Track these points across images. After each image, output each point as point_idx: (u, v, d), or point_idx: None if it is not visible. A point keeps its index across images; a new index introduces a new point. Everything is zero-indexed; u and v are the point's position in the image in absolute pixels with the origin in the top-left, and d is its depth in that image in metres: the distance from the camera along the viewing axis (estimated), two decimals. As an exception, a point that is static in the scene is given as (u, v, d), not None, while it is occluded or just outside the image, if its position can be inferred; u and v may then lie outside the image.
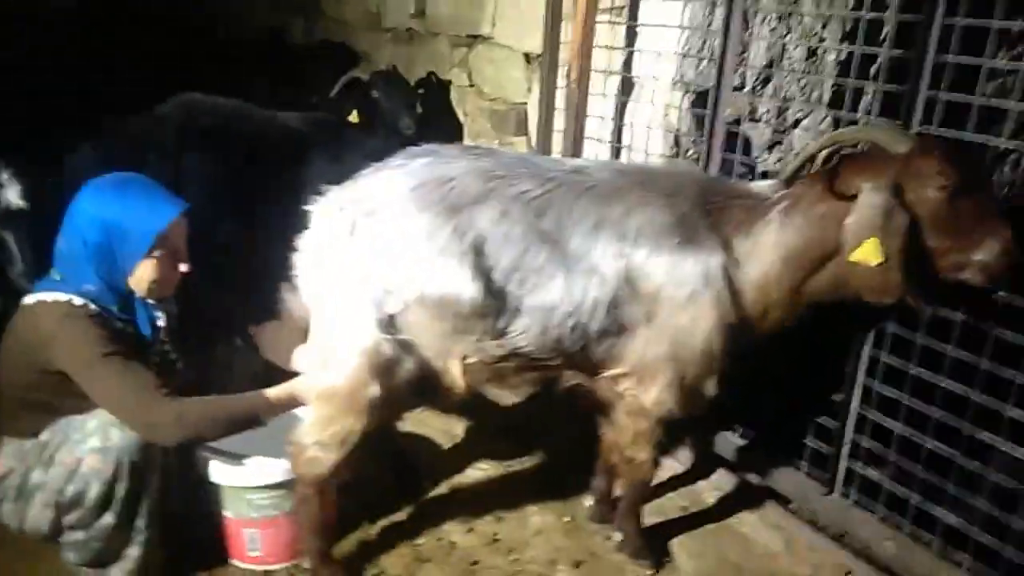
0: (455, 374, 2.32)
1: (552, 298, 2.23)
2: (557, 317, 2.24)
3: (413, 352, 2.29)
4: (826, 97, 3.50)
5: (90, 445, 2.29)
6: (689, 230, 2.26)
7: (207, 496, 2.58)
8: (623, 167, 2.44)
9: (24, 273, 3.01)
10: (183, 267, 2.47)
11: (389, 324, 2.22)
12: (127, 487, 2.31)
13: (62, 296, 2.33)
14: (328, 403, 2.30)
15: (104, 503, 2.31)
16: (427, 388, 2.50)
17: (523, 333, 2.27)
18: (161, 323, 2.54)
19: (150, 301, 2.49)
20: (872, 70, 3.05)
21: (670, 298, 2.25)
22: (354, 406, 2.28)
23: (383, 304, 2.19)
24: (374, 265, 2.19)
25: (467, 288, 2.16)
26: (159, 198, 2.42)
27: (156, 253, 2.38)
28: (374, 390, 2.26)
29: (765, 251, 2.29)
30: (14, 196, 3.04)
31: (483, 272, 2.17)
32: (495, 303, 2.20)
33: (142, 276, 2.40)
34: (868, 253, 2.11)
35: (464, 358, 2.31)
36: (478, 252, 2.17)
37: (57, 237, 2.40)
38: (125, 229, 2.34)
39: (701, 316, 2.26)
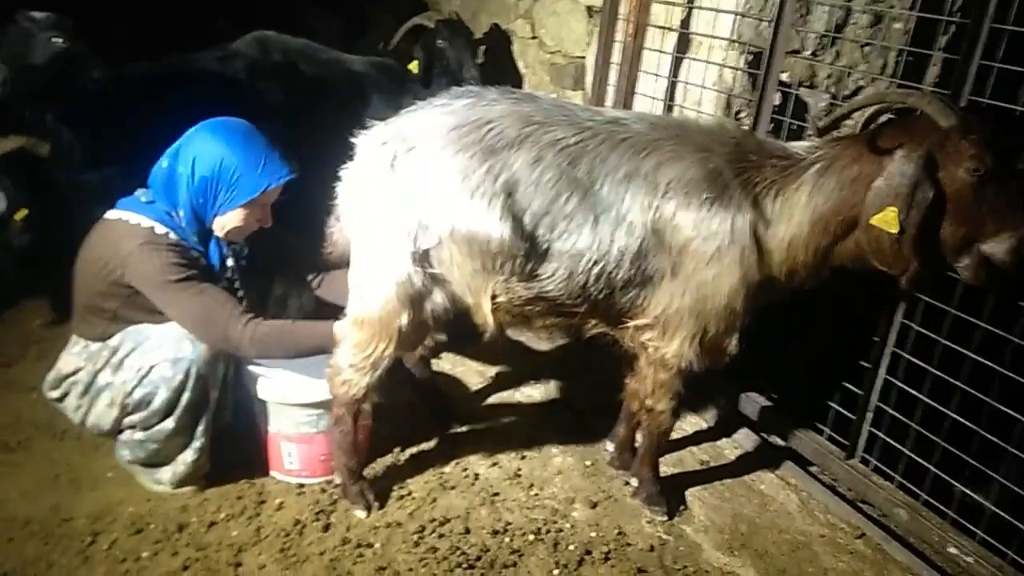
0: (485, 312, 2.42)
1: (580, 244, 2.30)
2: (584, 263, 2.32)
3: (444, 287, 2.41)
4: (891, 67, 3.43)
5: (162, 354, 2.49)
6: (720, 186, 2.29)
7: (253, 410, 2.77)
8: (659, 120, 2.46)
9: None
10: (265, 224, 2.63)
11: (423, 258, 2.33)
12: (191, 397, 2.51)
13: (146, 221, 2.49)
14: (362, 329, 2.44)
15: (168, 409, 2.51)
16: (465, 333, 2.62)
17: (551, 277, 2.35)
18: (230, 262, 2.70)
19: (223, 240, 2.65)
20: (941, 42, 2.99)
21: (696, 252, 2.30)
22: (386, 333, 2.41)
23: (418, 238, 2.30)
24: (411, 200, 2.29)
25: (496, 228, 2.24)
26: (276, 159, 2.55)
27: (251, 205, 2.54)
28: (405, 319, 2.39)
29: (795, 212, 2.31)
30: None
31: (513, 214, 2.25)
32: (524, 245, 2.28)
33: (229, 221, 2.56)
34: (887, 220, 2.12)
35: (494, 297, 2.40)
36: (510, 194, 2.24)
37: (163, 157, 2.54)
38: (237, 175, 2.49)
39: (726, 272, 2.30)
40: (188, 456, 2.60)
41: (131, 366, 2.51)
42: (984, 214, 2.15)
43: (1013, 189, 2.16)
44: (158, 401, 2.48)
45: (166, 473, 2.63)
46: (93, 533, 2.48)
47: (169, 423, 2.52)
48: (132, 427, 2.56)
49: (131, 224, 2.48)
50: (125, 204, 2.55)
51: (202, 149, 2.48)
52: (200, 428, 2.58)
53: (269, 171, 2.52)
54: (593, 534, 2.68)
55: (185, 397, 2.50)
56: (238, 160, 2.48)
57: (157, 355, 2.48)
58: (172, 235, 2.51)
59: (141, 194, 2.56)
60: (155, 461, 2.62)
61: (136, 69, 3.41)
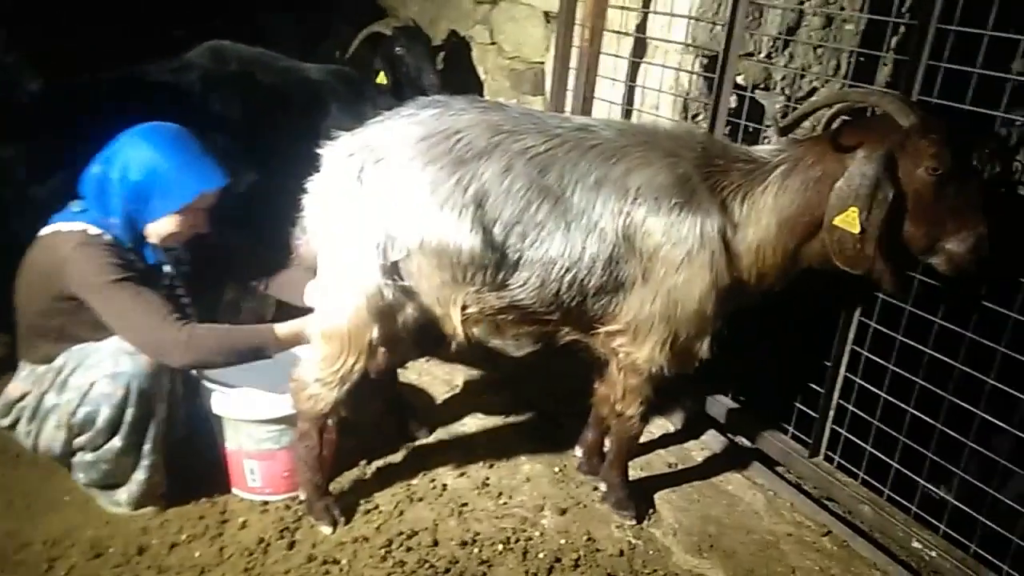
0: (455, 323, 2.40)
1: (552, 252, 2.29)
2: (556, 271, 2.31)
3: (415, 299, 2.38)
4: (844, 68, 3.49)
5: (102, 370, 2.41)
6: (688, 191, 2.30)
7: (211, 427, 2.71)
8: (627, 126, 2.48)
9: None
10: (201, 230, 2.57)
11: (392, 270, 2.30)
12: (135, 412, 2.44)
13: (79, 225, 2.43)
14: (330, 343, 2.39)
15: (113, 427, 2.43)
16: (431, 339, 2.60)
17: (522, 286, 2.34)
18: (167, 268, 2.63)
19: (159, 247, 2.58)
20: (893, 42, 3.04)
21: (666, 258, 2.30)
22: (355, 347, 2.37)
23: (386, 250, 2.27)
24: (379, 212, 2.25)
25: (467, 240, 2.22)
26: (210, 163, 2.50)
27: (185, 211, 2.47)
28: (375, 332, 2.36)
29: (762, 215, 2.33)
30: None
31: (484, 225, 2.23)
32: (495, 255, 2.27)
33: (163, 227, 2.49)
34: (849, 220, 2.14)
35: (464, 308, 2.38)
36: (480, 205, 2.23)
37: (92, 163, 2.46)
38: (169, 180, 2.42)
39: (696, 277, 2.31)
40: (140, 475, 2.53)
41: (74, 385, 2.43)
42: (944, 213, 2.19)
43: (972, 188, 2.21)
44: (101, 419, 2.41)
45: (123, 494, 2.55)
46: (51, 559, 2.40)
47: (116, 442, 2.45)
48: (82, 448, 2.48)
49: (64, 232, 2.42)
50: (57, 217, 2.49)
51: (133, 154, 2.42)
52: (148, 445, 2.51)
53: (202, 176, 2.46)
54: (563, 541, 2.66)
55: (129, 413, 2.42)
56: (170, 165, 2.42)
57: (97, 372, 2.41)
58: (107, 236, 2.44)
59: (73, 204, 2.50)
60: (110, 482, 2.54)
61: (83, 80, 3.33)
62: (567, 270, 2.31)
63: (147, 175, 2.41)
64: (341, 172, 2.30)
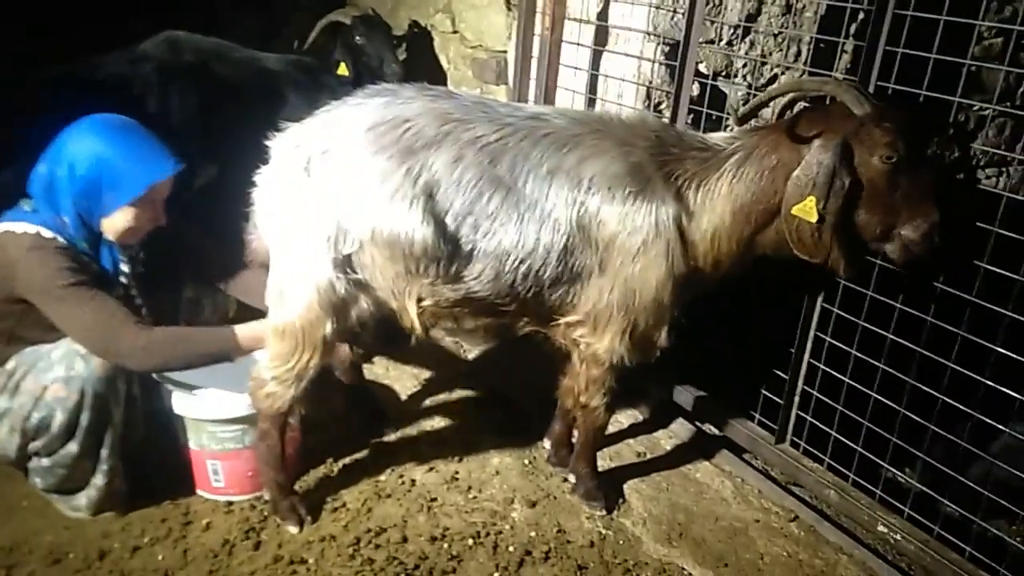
0: (411, 315, 2.37)
1: (506, 243, 2.26)
2: (510, 263, 2.28)
3: (369, 292, 2.34)
4: (804, 54, 3.49)
5: (55, 374, 2.36)
6: (643, 180, 2.28)
7: (172, 427, 2.66)
8: (580, 115, 2.45)
9: None
10: (159, 222, 2.50)
11: (345, 263, 2.27)
12: (91, 417, 2.38)
13: (30, 227, 2.35)
14: (284, 339, 2.36)
15: (68, 432, 2.38)
16: (395, 337, 2.57)
17: (477, 278, 2.31)
18: (124, 267, 2.56)
19: (115, 245, 2.52)
20: (852, 28, 3.05)
21: (622, 247, 2.29)
22: (309, 343, 2.34)
23: (338, 243, 2.23)
24: (329, 204, 2.21)
25: (418, 231, 2.19)
26: (159, 152, 2.42)
27: (139, 203, 2.40)
28: (328, 328, 2.32)
29: (717, 203, 2.32)
30: None
31: (435, 216, 2.20)
32: (448, 247, 2.24)
33: (118, 222, 2.42)
34: (806, 209, 2.15)
35: (420, 300, 2.36)
36: (430, 195, 2.20)
37: (39, 162, 2.39)
38: (119, 172, 2.35)
39: (652, 265, 2.30)
40: (99, 479, 2.48)
41: (26, 389, 2.38)
42: (899, 201, 2.20)
43: (925, 176, 2.22)
44: (56, 424, 2.35)
45: (82, 499, 2.51)
46: (8, 566, 2.35)
47: (72, 446, 2.40)
48: (37, 453, 2.43)
49: (16, 233, 2.34)
50: (7, 216, 2.41)
51: (79, 148, 2.34)
52: (106, 450, 2.46)
53: (153, 165, 2.39)
54: (533, 534, 2.66)
55: (84, 417, 2.37)
56: (117, 156, 2.34)
57: (50, 375, 2.36)
58: (60, 239, 2.37)
59: (24, 203, 2.42)
60: (68, 487, 2.49)
61: (34, 76, 3.24)
62: (521, 261, 2.29)
63: (94, 168, 2.33)
64: (288, 164, 2.26)
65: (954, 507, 2.46)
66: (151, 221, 2.48)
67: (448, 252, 2.25)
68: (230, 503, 2.67)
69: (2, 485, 2.64)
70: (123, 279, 2.55)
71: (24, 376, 2.39)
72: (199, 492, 2.69)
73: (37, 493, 2.56)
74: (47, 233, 2.36)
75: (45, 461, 2.43)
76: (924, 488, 2.55)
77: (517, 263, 2.29)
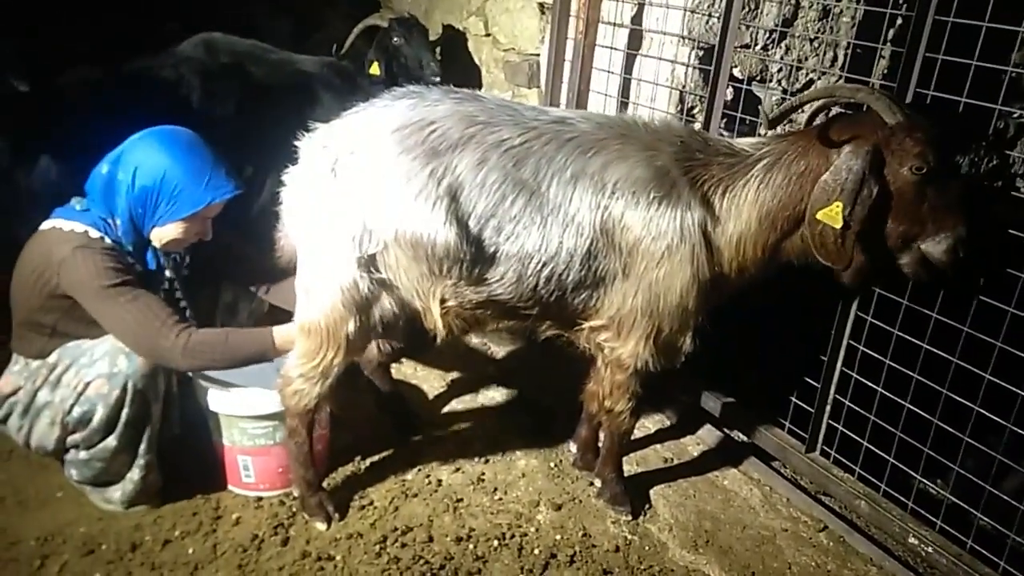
0: (434, 316, 2.39)
1: (528, 247, 2.27)
2: (533, 266, 2.29)
3: (392, 292, 2.36)
4: (840, 60, 3.46)
5: (97, 370, 2.42)
6: (667, 185, 2.27)
7: (205, 423, 2.71)
8: (605, 119, 2.43)
9: None
10: (205, 237, 2.56)
11: (369, 263, 2.29)
12: (131, 413, 2.44)
13: (79, 226, 2.42)
14: (309, 337, 2.39)
15: (108, 426, 2.44)
16: (420, 340, 2.58)
17: (499, 280, 2.32)
18: (168, 273, 2.62)
19: (160, 251, 2.58)
20: (890, 34, 3.01)
21: (646, 251, 2.28)
22: (334, 341, 2.36)
23: (362, 243, 2.25)
24: (354, 204, 2.24)
25: (441, 232, 2.20)
26: (222, 173, 2.48)
27: (191, 220, 2.47)
28: (351, 326, 2.34)
29: (743, 209, 2.30)
30: None
31: (458, 218, 2.21)
32: (470, 249, 2.25)
33: (167, 233, 2.49)
34: (832, 215, 2.13)
35: (443, 301, 2.37)
36: (454, 197, 2.21)
37: (102, 162, 2.46)
38: (180, 188, 2.42)
39: (677, 271, 2.29)
40: (135, 474, 2.54)
41: (68, 383, 2.44)
42: (925, 213, 2.18)
43: (953, 189, 2.19)
44: (97, 419, 2.41)
45: (116, 492, 2.56)
46: (42, 556, 2.40)
47: (111, 440, 2.45)
48: (76, 446, 2.49)
49: (64, 231, 2.41)
50: (58, 213, 2.48)
51: (145, 158, 2.41)
52: (144, 445, 2.51)
53: (213, 186, 2.45)
54: (558, 537, 2.65)
55: (125, 413, 2.43)
56: (182, 172, 2.41)
57: (92, 371, 2.42)
58: (106, 239, 2.44)
59: (76, 202, 2.49)
60: (104, 480, 2.55)
61: (73, 75, 3.31)
62: (544, 265, 2.29)
63: (158, 180, 2.40)
64: (316, 164, 2.29)
65: (988, 520, 2.42)
66: (197, 235, 2.55)
67: (471, 254, 2.26)
68: (260, 499, 2.71)
69: (37, 476, 2.72)
70: (166, 282, 2.61)
71: (66, 370, 2.45)
72: (230, 487, 2.74)
73: (71, 485, 2.63)
74: (95, 233, 2.42)
75: (83, 454, 2.49)
76: (957, 500, 2.51)
77: (540, 266, 2.29)
